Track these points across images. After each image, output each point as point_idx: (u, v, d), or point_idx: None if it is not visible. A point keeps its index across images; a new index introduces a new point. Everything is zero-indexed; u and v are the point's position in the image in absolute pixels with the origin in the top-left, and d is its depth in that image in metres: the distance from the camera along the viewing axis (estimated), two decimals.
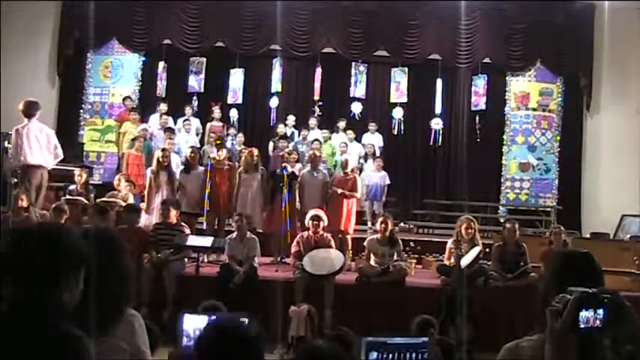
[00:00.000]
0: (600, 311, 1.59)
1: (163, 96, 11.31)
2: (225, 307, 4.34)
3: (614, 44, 11.41)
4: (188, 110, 10.71)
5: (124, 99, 11.08)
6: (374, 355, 2.40)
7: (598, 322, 1.58)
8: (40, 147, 7.35)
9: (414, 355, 2.45)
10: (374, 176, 9.93)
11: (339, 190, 7.82)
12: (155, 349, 2.44)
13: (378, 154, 10.51)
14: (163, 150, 8.04)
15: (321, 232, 6.81)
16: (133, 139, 9.45)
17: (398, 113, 11.54)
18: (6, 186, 7.66)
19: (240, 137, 10.26)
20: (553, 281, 1.83)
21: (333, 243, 6.86)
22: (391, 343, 2.44)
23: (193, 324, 2.81)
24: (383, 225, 6.81)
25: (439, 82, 11.67)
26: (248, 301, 5.76)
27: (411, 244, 8.45)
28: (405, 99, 11.64)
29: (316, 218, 6.78)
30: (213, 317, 1.94)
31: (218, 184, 7.77)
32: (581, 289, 1.62)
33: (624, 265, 7.10)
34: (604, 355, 1.64)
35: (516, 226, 7.00)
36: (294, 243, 6.82)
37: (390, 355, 2.41)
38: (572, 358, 1.59)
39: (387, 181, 10.00)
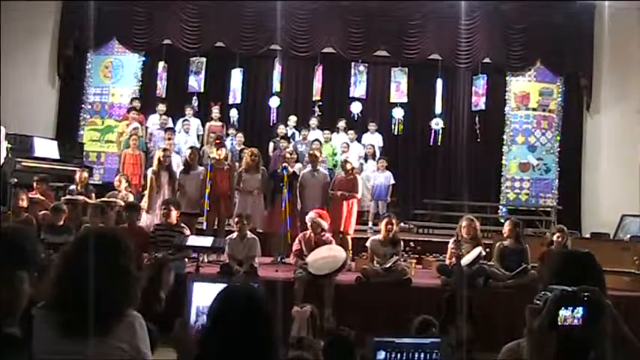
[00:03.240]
0: (580, 309, 1.58)
1: (163, 96, 11.31)
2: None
3: (614, 44, 11.40)
4: (188, 110, 10.72)
5: (131, 100, 11.08)
6: (382, 354, 2.40)
7: (577, 320, 1.57)
8: None
9: (422, 356, 2.44)
10: (379, 176, 9.93)
11: (339, 193, 7.84)
12: (154, 349, 2.44)
13: (377, 154, 10.51)
14: (164, 150, 8.04)
15: (322, 234, 6.81)
16: (128, 138, 9.50)
17: (398, 113, 11.54)
18: (6, 186, 7.66)
19: (240, 137, 10.26)
20: (554, 281, 1.82)
21: (334, 243, 6.86)
22: (399, 343, 2.44)
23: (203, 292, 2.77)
24: (389, 226, 6.81)
25: (439, 82, 11.67)
26: None
27: (411, 244, 8.45)
28: (405, 99, 11.64)
29: (315, 225, 6.78)
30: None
31: (218, 184, 7.77)
32: (561, 287, 1.61)
33: (624, 265, 7.10)
34: (583, 354, 1.63)
35: (517, 224, 6.98)
36: (296, 241, 6.84)
37: (399, 355, 2.41)
38: (550, 356, 1.58)
39: (392, 181, 10.00)
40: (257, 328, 1.74)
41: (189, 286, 2.66)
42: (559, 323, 1.57)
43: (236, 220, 7.05)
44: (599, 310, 1.60)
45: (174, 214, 6.76)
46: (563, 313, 1.57)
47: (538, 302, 1.62)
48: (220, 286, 2.59)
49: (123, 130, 10.20)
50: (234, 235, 6.86)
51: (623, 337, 1.66)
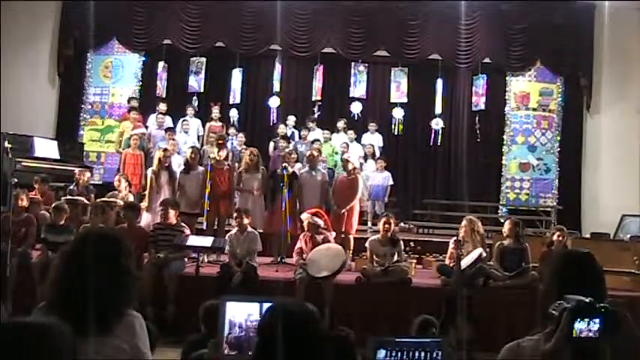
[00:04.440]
0: (597, 321, 1.55)
1: (163, 96, 11.31)
2: None
3: (614, 44, 11.41)
4: (190, 111, 10.72)
5: (128, 100, 11.08)
6: (382, 353, 2.39)
7: (593, 332, 1.55)
8: None
9: (422, 355, 2.43)
10: (377, 177, 9.93)
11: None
12: (154, 349, 2.44)
13: (378, 154, 10.51)
14: (165, 150, 8.04)
15: (322, 234, 6.81)
16: (129, 139, 9.50)
17: (398, 113, 11.54)
18: (6, 186, 7.65)
19: (241, 137, 10.26)
20: (554, 281, 1.82)
21: (332, 242, 6.86)
22: (400, 342, 2.43)
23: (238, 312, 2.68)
24: (386, 225, 6.81)
25: (439, 82, 11.67)
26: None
27: (411, 244, 8.44)
28: (405, 99, 11.64)
29: (311, 227, 6.78)
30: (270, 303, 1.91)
31: (218, 184, 7.77)
32: (578, 297, 1.59)
33: (624, 265, 7.10)
34: None
35: (517, 223, 6.97)
36: (299, 240, 6.84)
37: (399, 354, 2.40)
38: None
39: (390, 182, 10.00)
40: (311, 348, 1.70)
41: (222, 306, 2.62)
42: (574, 335, 1.55)
43: (235, 215, 7.04)
44: (616, 321, 1.57)
45: (172, 214, 6.73)
46: (579, 325, 1.55)
47: (554, 312, 1.59)
48: (253, 305, 2.56)
49: (123, 129, 10.20)
50: (234, 230, 6.85)
51: (637, 340, 1.64)
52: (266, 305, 2.40)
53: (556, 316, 1.58)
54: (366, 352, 2.45)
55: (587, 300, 1.58)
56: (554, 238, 6.90)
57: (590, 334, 1.55)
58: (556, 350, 1.56)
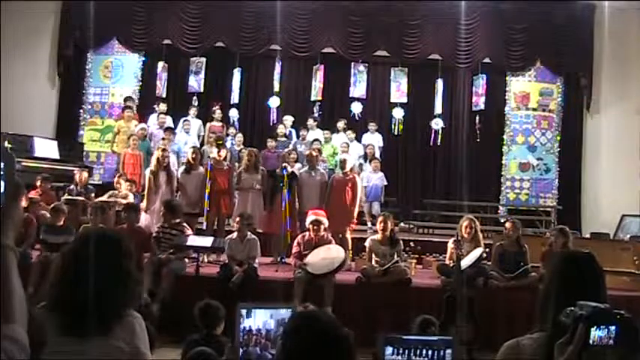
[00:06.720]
0: (613, 329, 1.50)
1: (163, 96, 11.31)
2: (224, 307, 4.32)
3: (614, 44, 11.41)
4: (192, 111, 10.70)
5: (125, 99, 11.06)
6: (389, 350, 2.41)
7: (611, 340, 1.50)
8: None
9: (429, 353, 2.46)
10: (372, 177, 9.92)
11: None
12: (153, 350, 2.45)
13: (378, 154, 10.50)
14: (163, 150, 8.04)
15: (322, 233, 6.79)
16: (129, 138, 9.48)
17: (398, 113, 11.54)
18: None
19: (240, 137, 10.25)
20: (554, 282, 1.82)
21: (333, 243, 6.85)
22: (407, 339, 2.46)
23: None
24: (382, 224, 6.81)
25: (439, 82, 11.68)
26: (248, 301, 5.74)
27: (411, 244, 8.44)
28: (405, 99, 11.64)
29: (316, 223, 6.76)
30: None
31: (218, 184, 7.76)
32: (593, 304, 1.54)
33: (624, 265, 7.10)
34: None
35: (517, 225, 6.97)
36: (295, 243, 6.81)
37: (407, 352, 2.43)
38: None
39: (385, 182, 10.00)
40: (338, 352, 1.70)
41: (237, 312, 2.66)
42: (592, 343, 1.49)
43: (237, 219, 7.03)
44: (632, 329, 1.52)
45: (176, 214, 6.76)
46: (595, 333, 1.50)
47: (565, 319, 1.57)
48: (267, 312, 2.61)
49: (119, 129, 10.17)
50: (234, 235, 6.84)
51: None
52: (281, 311, 2.46)
53: (569, 324, 1.55)
54: (376, 350, 2.48)
55: (603, 306, 1.54)
56: (555, 238, 6.89)
57: (607, 342, 1.50)
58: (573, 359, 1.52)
